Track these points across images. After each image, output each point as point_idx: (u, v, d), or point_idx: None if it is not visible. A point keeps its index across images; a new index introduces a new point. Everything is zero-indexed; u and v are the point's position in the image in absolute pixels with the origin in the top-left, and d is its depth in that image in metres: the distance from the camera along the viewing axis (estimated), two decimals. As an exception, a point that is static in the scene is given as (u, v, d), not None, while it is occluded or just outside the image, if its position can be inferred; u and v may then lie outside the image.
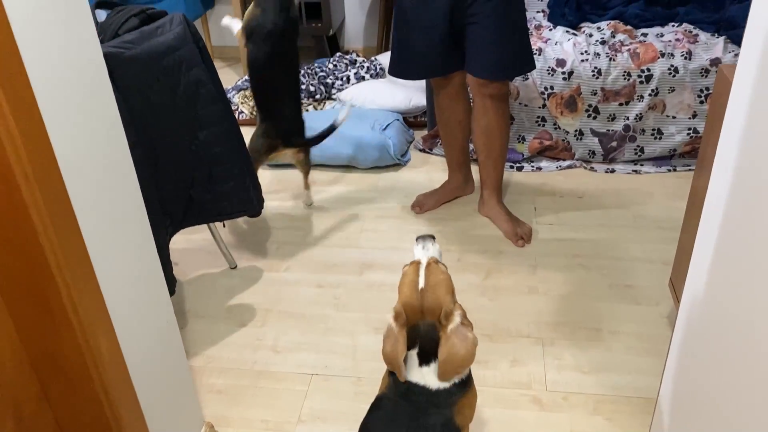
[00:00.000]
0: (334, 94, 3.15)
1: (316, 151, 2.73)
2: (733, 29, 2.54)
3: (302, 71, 3.36)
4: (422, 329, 1.14)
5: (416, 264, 1.19)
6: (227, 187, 1.88)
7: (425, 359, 1.14)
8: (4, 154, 0.93)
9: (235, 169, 1.88)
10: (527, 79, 2.59)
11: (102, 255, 1.14)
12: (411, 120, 3.03)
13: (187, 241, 2.35)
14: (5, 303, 1.05)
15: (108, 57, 1.27)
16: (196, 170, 1.81)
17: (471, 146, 2.47)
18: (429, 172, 2.73)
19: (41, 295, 1.04)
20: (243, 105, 3.19)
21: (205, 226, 2.13)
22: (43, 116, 1.00)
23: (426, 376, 1.14)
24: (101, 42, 1.28)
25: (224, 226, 2.40)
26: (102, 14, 2.02)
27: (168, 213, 1.76)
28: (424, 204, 2.47)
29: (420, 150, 2.89)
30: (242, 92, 3.27)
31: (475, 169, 2.48)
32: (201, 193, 1.84)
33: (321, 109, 3.10)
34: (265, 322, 1.98)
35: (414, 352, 1.15)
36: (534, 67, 2.18)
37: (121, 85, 1.46)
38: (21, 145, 0.94)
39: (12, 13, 0.95)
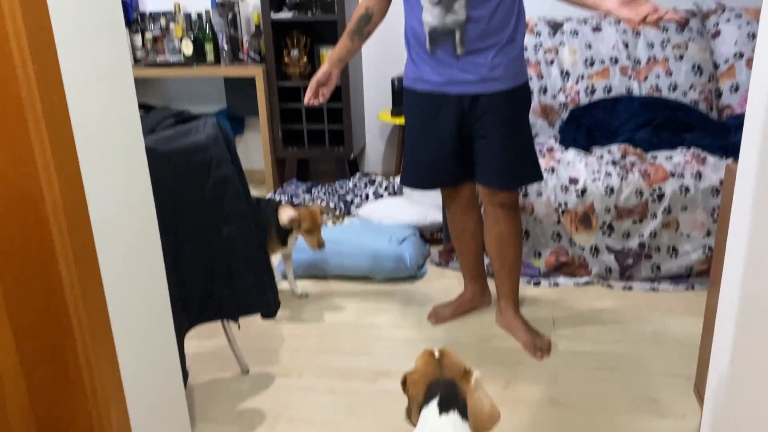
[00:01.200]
0: (353, 210, 3.24)
1: (333, 263, 2.77)
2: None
3: (324, 190, 3.48)
4: (442, 382, 1.20)
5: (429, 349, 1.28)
6: (246, 283, 1.90)
7: (445, 408, 1.19)
8: (48, 230, 0.98)
9: (255, 267, 1.91)
10: (541, 195, 2.66)
11: (122, 327, 1.14)
12: (427, 236, 3.09)
13: (200, 346, 2.33)
14: (21, 364, 1.05)
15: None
16: (216, 265, 1.84)
17: (487, 259, 2.50)
18: (445, 284, 2.74)
19: (59, 357, 1.03)
20: (264, 220, 3.29)
21: (219, 332, 2.12)
22: (89, 206, 1.06)
23: (444, 425, 1.18)
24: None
25: (239, 327, 2.38)
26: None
27: (186, 306, 1.77)
28: (440, 315, 2.45)
29: (437, 264, 2.91)
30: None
31: (491, 282, 2.49)
32: (220, 288, 1.86)
33: (339, 223, 3.18)
34: (274, 428, 1.91)
35: (435, 402, 1.19)
36: (542, 178, 2.25)
37: (153, 178, 1.54)
38: (65, 228, 0.99)
39: (74, 114, 1.03)
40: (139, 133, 1.30)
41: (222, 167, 1.79)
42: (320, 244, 2.50)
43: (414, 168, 2.29)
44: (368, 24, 2.21)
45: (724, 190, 1.61)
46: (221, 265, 1.84)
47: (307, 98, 2.27)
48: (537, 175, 2.25)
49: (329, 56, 2.26)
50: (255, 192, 3.97)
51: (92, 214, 1.06)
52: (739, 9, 3.25)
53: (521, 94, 2.15)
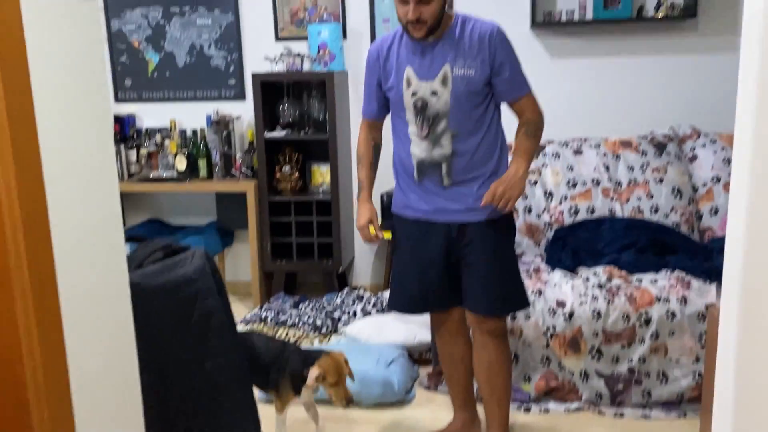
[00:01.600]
0: (340, 328, 3.21)
1: (319, 386, 2.71)
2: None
3: (311, 305, 3.46)
4: None
5: None
6: (227, 421, 1.84)
7: None
8: (21, 371, 0.96)
9: (238, 404, 1.87)
10: (529, 318, 2.66)
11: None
12: (416, 356, 3.04)
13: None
14: None
15: (130, 286, 1.35)
16: (198, 401, 1.80)
17: (476, 385, 2.46)
18: (434, 410, 2.67)
19: None
20: (250, 337, 3.24)
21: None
22: (66, 342, 1.05)
23: None
24: (128, 272, 1.37)
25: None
26: (128, 248, 2.17)
27: (164, 445, 1.71)
28: (428, 445, 2.38)
29: (425, 388, 2.86)
30: (251, 325, 3.34)
31: (480, 409, 2.43)
32: (201, 425, 1.80)
33: (326, 342, 3.14)
34: None
35: None
36: (528, 305, 2.27)
37: (137, 312, 1.53)
38: (39, 363, 0.98)
39: (57, 245, 1.05)
40: (125, 267, 1.30)
41: (208, 300, 1.79)
42: (348, 400, 2.22)
43: (402, 293, 2.30)
44: (378, 153, 2.35)
45: (708, 326, 1.62)
46: (203, 401, 1.79)
47: (368, 238, 2.25)
48: (524, 302, 2.26)
49: (362, 198, 2.28)
50: (241, 305, 3.95)
51: (71, 373, 1.05)
52: (713, 135, 3.39)
53: (506, 223, 2.20)
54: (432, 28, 1.99)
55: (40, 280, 1.03)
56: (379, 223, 3.65)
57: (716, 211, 3.22)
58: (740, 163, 1.19)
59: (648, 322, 2.60)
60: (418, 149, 2.13)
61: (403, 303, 2.32)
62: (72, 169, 1.13)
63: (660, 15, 3.48)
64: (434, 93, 2.04)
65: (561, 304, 2.66)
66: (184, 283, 1.74)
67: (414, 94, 2.06)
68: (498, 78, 2.05)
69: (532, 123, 2.12)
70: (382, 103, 2.22)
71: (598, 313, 2.62)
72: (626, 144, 3.39)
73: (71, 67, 1.14)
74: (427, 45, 2.05)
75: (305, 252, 3.85)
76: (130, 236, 2.10)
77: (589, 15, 3.57)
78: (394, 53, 2.12)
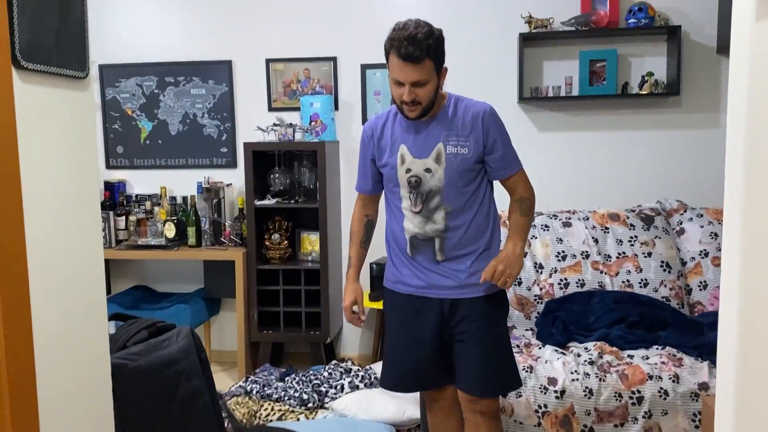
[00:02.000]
0: (327, 402, 3.13)
1: (304, 465, 2.62)
2: (714, 354, 2.64)
3: (296, 378, 3.39)
4: None
5: None
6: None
7: None
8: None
9: (218, 487, 1.80)
10: (521, 396, 2.61)
11: None
12: (404, 433, 2.96)
13: None
14: None
15: (112, 368, 1.32)
16: (178, 487, 1.73)
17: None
18: (422, 492, 2.58)
19: None
20: (235, 411, 3.15)
21: None
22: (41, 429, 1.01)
23: None
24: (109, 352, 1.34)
25: None
26: (114, 325, 2.12)
27: None
28: None
29: (413, 467, 2.76)
30: (235, 398, 3.25)
31: (471, 492, 2.35)
32: None
33: (312, 418, 3.06)
34: None
35: None
36: (520, 385, 2.22)
37: (120, 394, 1.48)
38: None
39: (36, 324, 1.02)
40: (106, 347, 1.27)
41: (192, 380, 1.75)
42: None
43: (395, 370, 2.25)
44: (372, 230, 2.34)
45: (704, 413, 1.59)
46: (183, 488, 1.72)
47: (351, 320, 2.27)
48: (517, 382, 2.22)
49: (349, 275, 2.30)
50: (226, 376, 3.86)
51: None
52: (700, 209, 3.44)
53: (499, 300, 2.19)
54: (426, 109, 2.02)
55: (18, 371, 0.99)
56: (369, 295, 3.62)
57: (705, 286, 3.22)
58: (730, 243, 1.20)
59: (641, 400, 2.55)
60: (411, 224, 2.13)
61: (395, 382, 2.27)
62: (56, 260, 1.12)
63: (644, 92, 3.58)
64: (428, 170, 2.07)
65: (552, 381, 2.62)
66: (169, 364, 1.70)
67: (408, 171, 2.09)
68: (491, 156, 2.09)
69: (525, 200, 2.15)
70: (376, 178, 2.24)
71: (590, 391, 2.57)
72: (614, 217, 3.42)
73: (61, 155, 1.14)
74: (421, 123, 2.08)
75: (293, 321, 3.80)
76: (116, 314, 2.06)
77: (575, 91, 3.66)
78: (389, 131, 2.14)
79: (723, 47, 3.50)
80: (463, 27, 3.75)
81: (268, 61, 3.95)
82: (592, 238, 3.34)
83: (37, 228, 1.05)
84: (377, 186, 2.27)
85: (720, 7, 3.51)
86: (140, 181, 4.10)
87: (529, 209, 2.16)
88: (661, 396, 2.55)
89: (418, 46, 1.89)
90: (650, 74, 3.58)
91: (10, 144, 1.01)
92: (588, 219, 3.41)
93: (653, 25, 3.49)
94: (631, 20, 3.50)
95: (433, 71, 1.97)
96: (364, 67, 3.88)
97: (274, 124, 3.74)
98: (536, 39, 3.65)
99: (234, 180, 4.00)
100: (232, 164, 4.02)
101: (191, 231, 3.78)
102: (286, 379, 3.41)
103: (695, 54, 3.60)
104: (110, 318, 2.14)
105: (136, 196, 4.04)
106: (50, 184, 1.11)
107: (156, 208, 3.91)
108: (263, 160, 3.80)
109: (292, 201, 3.77)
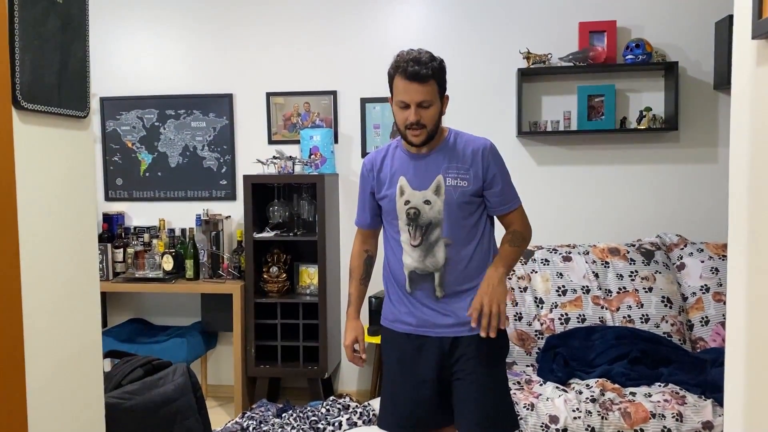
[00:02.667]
0: (325, 440, 3.07)
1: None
2: (717, 392, 2.61)
3: (294, 414, 3.34)
4: None
5: None
6: None
7: None
8: None
9: None
10: (521, 435, 2.56)
11: None
12: (403, 472, 2.89)
13: None
14: None
15: (107, 407, 1.29)
16: None
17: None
18: None
19: None
20: (230, 448, 3.09)
21: None
22: None
23: None
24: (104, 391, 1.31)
25: None
26: (110, 362, 2.09)
27: None
28: None
29: (412, 507, 2.70)
30: (231, 434, 3.19)
31: None
32: None
33: (310, 456, 2.99)
34: None
35: None
36: (518, 427, 2.17)
37: (113, 437, 1.45)
38: None
39: (30, 365, 1.00)
40: (100, 386, 1.24)
41: (187, 419, 1.71)
42: None
43: (393, 410, 2.20)
44: (372, 265, 2.33)
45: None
46: None
47: (352, 360, 2.24)
48: (514, 425, 2.17)
49: (349, 313, 2.27)
50: (223, 411, 3.80)
51: None
52: (700, 243, 3.43)
53: (498, 339, 2.15)
54: (431, 135, 2.03)
55: (9, 413, 0.97)
56: (367, 329, 3.56)
57: (707, 322, 3.19)
58: (735, 281, 1.18)
59: (644, 439, 2.51)
60: (410, 258, 2.11)
61: (394, 423, 2.21)
62: (51, 301, 1.10)
63: (642, 126, 3.60)
64: (427, 202, 2.06)
65: (554, 419, 2.58)
66: (164, 403, 1.67)
67: (407, 202, 2.08)
68: (490, 191, 2.09)
69: (519, 234, 2.14)
70: (375, 212, 2.24)
71: (593, 430, 2.53)
72: (614, 251, 3.40)
73: (59, 192, 1.13)
74: (421, 155, 2.09)
75: (290, 356, 3.75)
76: (111, 351, 2.03)
77: (574, 126, 3.68)
78: (388, 164, 2.15)
79: (720, 83, 3.53)
80: (463, 62, 3.78)
81: (268, 95, 3.98)
82: (593, 272, 3.32)
83: (32, 269, 1.04)
84: (376, 220, 2.26)
85: (716, 44, 3.55)
86: (139, 213, 4.10)
87: (521, 243, 2.14)
88: (664, 435, 2.50)
89: (424, 65, 1.95)
90: (648, 109, 3.60)
91: (8, 182, 1.00)
92: (588, 253, 3.40)
93: (650, 61, 3.53)
94: (629, 56, 3.54)
95: (437, 94, 2.01)
96: (364, 101, 3.91)
97: (274, 157, 3.75)
98: (535, 74, 3.68)
99: (233, 212, 3.99)
100: (231, 197, 4.02)
101: (189, 264, 3.76)
102: (283, 415, 3.36)
103: (693, 89, 3.63)
104: (105, 355, 2.11)
105: (135, 228, 4.02)
106: (46, 223, 1.10)
107: (154, 241, 3.89)
108: (262, 193, 3.80)
109: (291, 234, 3.76)
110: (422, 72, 1.94)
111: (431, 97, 1.98)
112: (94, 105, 4.21)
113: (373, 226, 2.28)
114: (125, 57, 4.06)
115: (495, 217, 2.19)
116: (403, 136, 2.06)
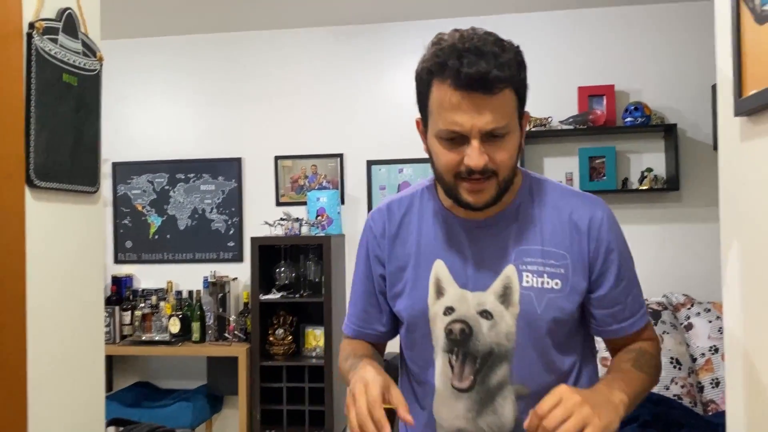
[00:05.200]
0: None
1: None
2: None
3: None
4: None
5: None
6: None
7: None
8: None
9: None
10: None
11: None
12: None
13: None
14: None
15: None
16: None
17: None
18: None
19: None
20: None
21: None
22: None
23: None
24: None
25: None
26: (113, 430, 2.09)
27: None
28: None
29: None
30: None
31: None
32: None
33: None
34: None
35: None
36: None
37: None
38: None
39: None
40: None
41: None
42: None
43: None
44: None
45: None
46: None
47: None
48: None
49: (362, 364, 1.18)
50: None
51: None
52: (707, 303, 3.41)
53: None
54: (504, 188, 1.11)
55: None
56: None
57: (717, 383, 3.15)
58: (732, 340, 1.19)
59: (657, 508, 2.44)
60: (452, 412, 1.18)
61: None
62: (57, 374, 1.12)
63: (644, 187, 3.64)
64: (486, 314, 1.15)
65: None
66: (166, 472, 1.66)
67: (449, 311, 1.16)
68: (601, 296, 1.16)
69: (648, 355, 1.20)
70: (380, 314, 1.28)
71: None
72: (621, 312, 3.38)
73: (68, 264, 1.17)
74: (475, 224, 1.17)
75: (296, 420, 3.70)
76: (114, 419, 2.03)
77: (576, 187, 3.73)
78: (415, 229, 1.22)
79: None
80: (465, 125, 3.87)
81: (276, 158, 4.07)
82: (600, 333, 3.30)
83: (39, 339, 1.06)
84: (381, 328, 1.29)
85: (713, 107, 3.62)
86: (147, 276, 4.13)
87: (652, 370, 1.19)
88: (677, 503, 2.44)
89: (494, 60, 1.02)
90: (649, 170, 3.65)
91: (18, 258, 1.04)
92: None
93: (650, 123, 3.60)
94: (628, 119, 3.61)
95: (516, 114, 1.09)
96: (370, 163, 3.98)
97: (281, 219, 3.81)
98: (536, 137, 3.75)
99: (240, 274, 4.02)
100: (239, 258, 4.06)
101: (196, 326, 3.77)
102: (288, 482, 3.30)
103: (692, 150, 3.68)
104: (109, 423, 2.11)
105: (143, 290, 4.05)
106: (55, 294, 1.13)
107: (162, 303, 3.91)
108: (269, 254, 3.84)
109: (297, 295, 3.77)
110: (492, 74, 1.02)
111: (507, 119, 1.06)
112: (106, 170, 4.31)
113: (375, 339, 1.31)
114: (138, 122, 4.18)
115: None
116: (450, 192, 1.13)
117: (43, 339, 1.08)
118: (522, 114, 1.12)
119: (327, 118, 4.04)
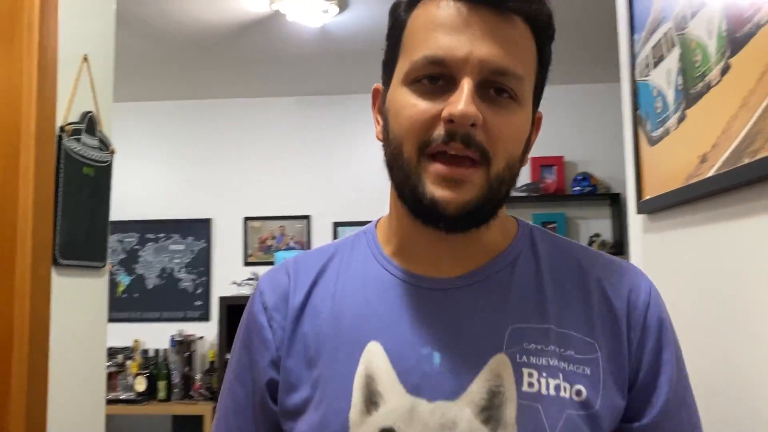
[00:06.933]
0: None
1: None
2: None
3: None
4: None
5: None
6: None
7: None
8: None
9: None
10: None
11: None
12: None
13: None
14: None
15: None
16: None
17: None
18: None
19: None
20: None
21: None
22: None
23: None
24: None
25: None
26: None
27: None
28: None
29: None
30: None
31: None
32: None
33: None
34: None
35: None
36: None
37: None
38: None
39: None
40: None
41: None
42: None
43: None
44: None
45: None
46: None
47: None
48: None
49: None
50: None
51: None
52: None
53: None
54: (495, 190, 0.65)
55: None
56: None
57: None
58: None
59: None
60: None
61: None
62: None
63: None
64: None
65: None
66: None
67: None
68: (649, 412, 0.67)
69: None
70: None
71: None
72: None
73: (82, 329, 1.31)
74: (442, 284, 0.69)
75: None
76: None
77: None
78: (335, 293, 0.72)
79: (659, 212, 3.90)
80: (427, 191, 4.10)
81: (245, 219, 4.21)
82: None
83: (57, 403, 1.19)
84: None
85: (653, 178, 3.94)
86: (114, 334, 4.16)
87: None
88: None
89: None
90: (597, 235, 3.93)
91: (43, 326, 1.18)
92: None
93: (596, 192, 3.89)
94: (576, 188, 3.90)
95: (532, 80, 0.67)
96: (336, 225, 4.16)
97: (249, 278, 3.93)
98: (493, 203, 4.00)
99: (206, 333, 4.10)
100: (205, 317, 4.14)
101: (162, 385, 3.81)
102: None
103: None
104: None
105: (109, 348, 4.08)
106: (72, 356, 1.26)
107: (128, 362, 3.95)
108: (236, 313, 3.92)
109: (264, 354, 3.86)
110: None
111: (521, 65, 0.65)
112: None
113: None
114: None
115: None
116: (406, 187, 0.66)
117: (60, 400, 1.21)
118: (538, 102, 0.71)
119: (295, 181, 4.23)
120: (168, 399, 3.81)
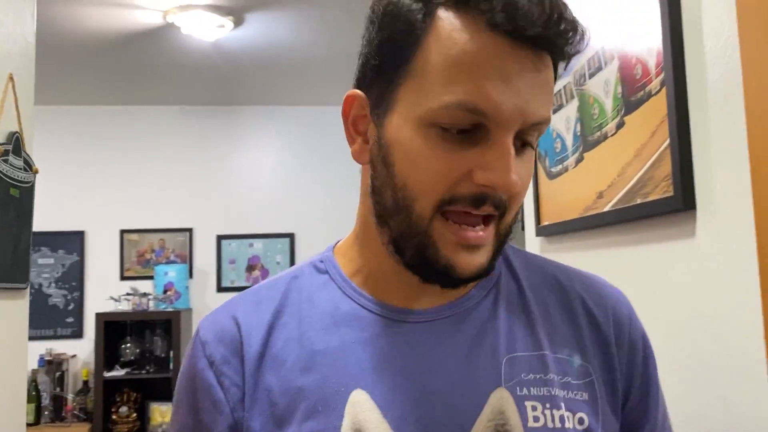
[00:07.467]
0: None
1: None
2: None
3: None
4: None
5: None
6: None
7: None
8: None
9: None
10: None
11: None
12: None
13: None
14: None
15: None
16: None
17: None
18: None
19: None
20: None
21: None
22: None
23: None
24: None
25: None
26: None
27: None
28: None
29: None
30: None
31: None
32: None
33: None
34: None
35: None
36: None
37: None
38: None
39: None
40: None
41: None
42: None
43: None
44: None
45: None
46: None
47: None
48: None
49: None
50: None
51: None
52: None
53: None
54: (503, 242, 0.60)
55: None
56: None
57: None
58: None
59: None
60: None
61: None
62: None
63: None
64: None
65: None
66: None
67: None
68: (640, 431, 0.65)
69: None
70: None
71: None
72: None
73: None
74: (424, 316, 0.61)
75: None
76: None
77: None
78: (293, 339, 0.61)
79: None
80: (323, 200, 4.19)
81: (122, 232, 4.07)
82: None
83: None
84: None
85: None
86: (-30, 356, 3.84)
87: None
88: None
89: (568, 10, 0.53)
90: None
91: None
92: None
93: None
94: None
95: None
96: (220, 238, 4.13)
97: (128, 293, 3.80)
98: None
99: (79, 351, 3.90)
100: (78, 334, 3.94)
101: (30, 408, 3.57)
102: None
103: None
104: None
105: (-35, 372, 3.76)
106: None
107: (-11, 385, 3.66)
108: (113, 330, 3.79)
109: (143, 371, 3.75)
110: (573, 22, 0.53)
111: (549, 113, 0.57)
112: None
113: None
114: (-34, 192, 3.96)
115: None
116: (410, 251, 0.58)
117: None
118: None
119: (176, 193, 4.15)
120: (37, 422, 3.59)
